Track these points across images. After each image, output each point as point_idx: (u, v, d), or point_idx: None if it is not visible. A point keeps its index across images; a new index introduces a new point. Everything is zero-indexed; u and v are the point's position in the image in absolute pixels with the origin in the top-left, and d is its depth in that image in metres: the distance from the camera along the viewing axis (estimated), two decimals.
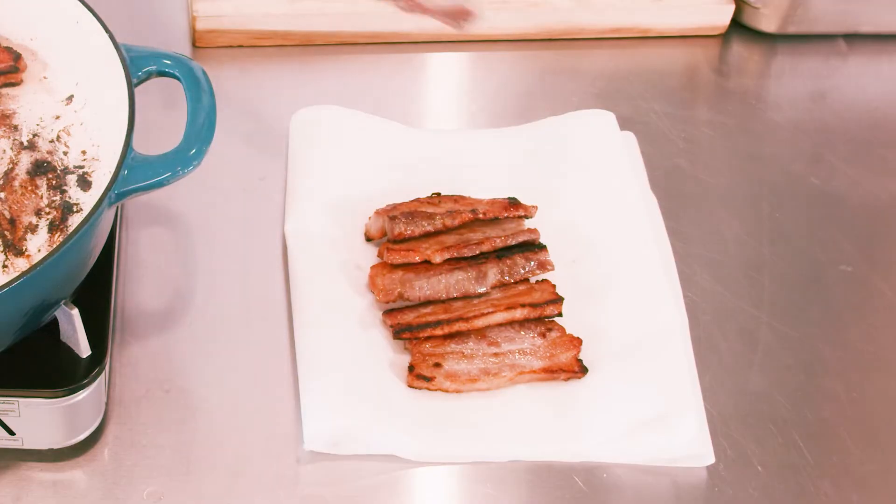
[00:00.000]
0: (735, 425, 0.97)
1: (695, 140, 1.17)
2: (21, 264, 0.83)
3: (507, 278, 0.99)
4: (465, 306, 0.97)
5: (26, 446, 0.89)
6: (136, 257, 1.01)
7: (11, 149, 0.90)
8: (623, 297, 1.01)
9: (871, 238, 1.11)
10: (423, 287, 0.97)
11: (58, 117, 0.92)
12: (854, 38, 1.28)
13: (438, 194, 1.03)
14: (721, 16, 1.25)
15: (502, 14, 1.21)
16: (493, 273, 0.99)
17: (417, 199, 1.03)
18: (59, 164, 0.89)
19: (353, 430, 0.91)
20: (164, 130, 0.95)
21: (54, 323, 0.86)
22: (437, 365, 0.95)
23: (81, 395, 0.86)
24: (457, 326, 0.96)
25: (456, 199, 1.03)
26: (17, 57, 0.92)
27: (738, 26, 1.27)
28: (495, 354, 0.95)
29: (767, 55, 1.26)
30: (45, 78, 0.93)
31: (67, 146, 0.90)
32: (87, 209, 0.86)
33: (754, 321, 1.03)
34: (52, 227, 0.85)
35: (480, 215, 1.01)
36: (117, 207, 0.89)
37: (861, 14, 1.26)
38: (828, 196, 1.14)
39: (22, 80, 0.93)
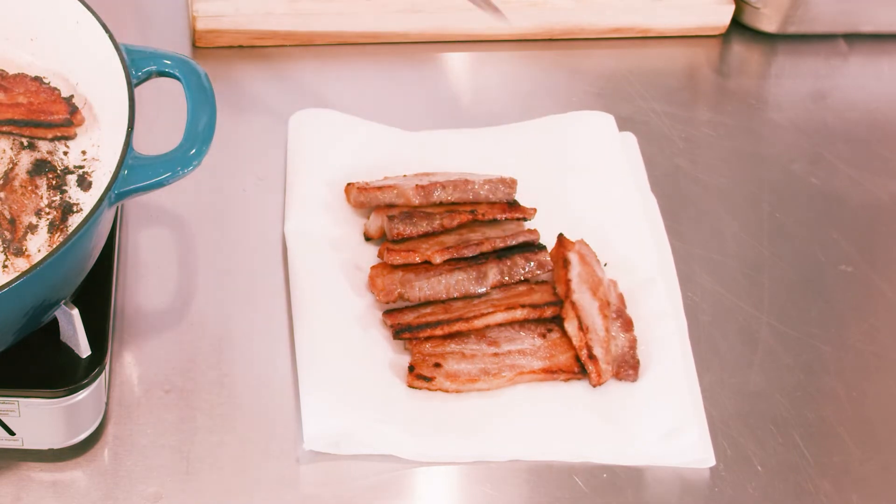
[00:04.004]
0: (735, 425, 0.97)
1: (695, 140, 1.17)
2: (21, 264, 0.84)
3: (506, 279, 0.99)
4: (465, 306, 0.97)
5: (26, 446, 0.89)
6: (136, 257, 1.01)
7: (11, 149, 0.90)
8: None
9: (871, 238, 1.11)
10: (423, 287, 0.97)
11: None
12: (854, 38, 1.28)
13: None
14: (721, 16, 1.25)
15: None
16: (493, 273, 0.99)
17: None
18: (59, 164, 0.89)
19: (353, 430, 0.91)
20: (164, 130, 0.95)
21: (54, 323, 0.86)
22: (437, 365, 0.95)
23: (81, 395, 0.86)
24: (457, 327, 0.96)
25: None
26: (74, 110, 0.90)
27: (739, 26, 1.27)
28: (495, 355, 0.96)
29: (768, 55, 1.26)
30: (45, 78, 0.93)
31: (67, 146, 0.90)
32: (87, 209, 0.86)
33: (754, 321, 1.03)
34: (52, 227, 0.85)
35: (479, 216, 1.01)
36: (117, 207, 0.89)
37: (861, 14, 1.26)
38: (828, 196, 1.14)
39: (76, 135, 0.90)
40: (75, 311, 0.85)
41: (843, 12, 1.25)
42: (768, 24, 1.26)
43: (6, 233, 0.85)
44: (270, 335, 0.98)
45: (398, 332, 0.96)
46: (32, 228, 0.85)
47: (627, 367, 0.96)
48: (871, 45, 1.28)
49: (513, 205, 1.03)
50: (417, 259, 0.98)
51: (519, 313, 0.97)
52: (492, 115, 1.17)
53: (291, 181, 1.06)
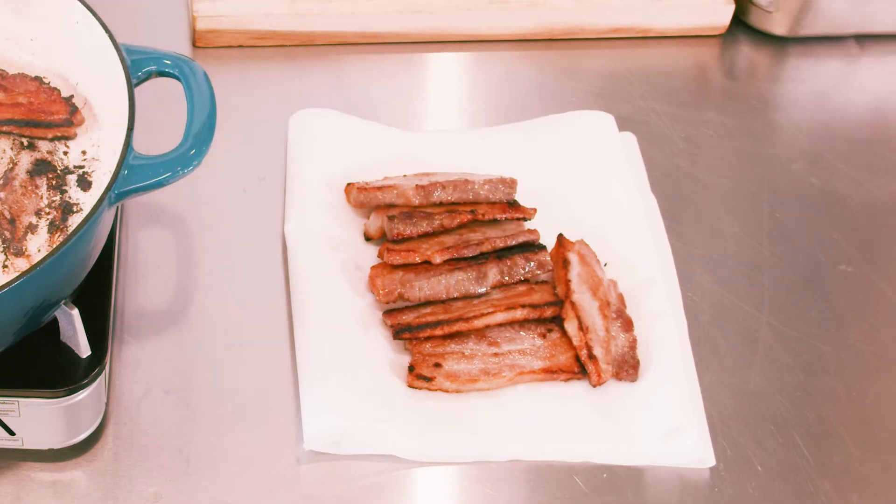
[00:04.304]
0: (735, 425, 0.97)
1: (695, 140, 1.17)
2: (21, 264, 0.84)
3: (506, 279, 0.99)
4: (465, 306, 0.97)
5: (26, 446, 0.89)
6: (136, 257, 1.01)
7: (11, 149, 0.90)
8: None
9: (871, 238, 1.11)
10: (423, 287, 0.97)
11: None
12: (861, 40, 1.28)
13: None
14: (721, 16, 1.25)
15: (502, 14, 1.21)
16: (493, 273, 0.99)
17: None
18: (59, 164, 0.89)
19: (353, 430, 0.91)
20: (164, 130, 0.95)
21: (54, 323, 0.86)
22: (437, 365, 0.95)
23: (81, 395, 0.86)
24: (457, 327, 0.96)
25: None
26: (74, 110, 0.90)
27: (745, 27, 1.27)
28: (495, 354, 0.96)
29: (769, 56, 1.26)
30: (45, 78, 0.93)
31: (67, 146, 0.90)
32: (87, 209, 0.86)
33: (754, 321, 1.03)
34: (52, 227, 0.85)
35: (479, 216, 1.01)
36: (117, 207, 0.89)
37: (869, 17, 1.25)
38: (828, 196, 1.14)
39: (76, 135, 0.90)
40: (75, 311, 0.85)
41: (852, 15, 1.25)
42: (779, 27, 1.26)
43: (6, 233, 0.85)
44: (270, 335, 0.98)
45: (398, 332, 0.96)
46: (32, 228, 0.85)
47: (627, 367, 0.96)
48: (874, 47, 1.28)
49: (513, 205, 1.03)
50: (417, 259, 0.98)
51: (519, 313, 0.97)
52: (492, 115, 1.17)
53: (291, 181, 1.06)
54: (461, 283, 0.98)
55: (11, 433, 0.87)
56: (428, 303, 0.98)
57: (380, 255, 1.00)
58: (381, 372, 0.95)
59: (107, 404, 0.91)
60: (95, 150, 0.90)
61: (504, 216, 1.02)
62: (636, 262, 1.03)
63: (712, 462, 0.94)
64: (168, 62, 0.90)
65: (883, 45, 1.28)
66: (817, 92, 1.24)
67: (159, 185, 0.84)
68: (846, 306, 1.06)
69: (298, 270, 1.00)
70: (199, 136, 0.86)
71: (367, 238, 1.04)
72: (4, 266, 0.83)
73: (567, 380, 0.96)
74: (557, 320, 0.98)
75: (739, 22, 1.26)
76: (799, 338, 1.03)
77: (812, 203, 1.13)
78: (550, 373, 0.95)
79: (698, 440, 0.94)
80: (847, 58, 1.27)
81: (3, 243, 0.84)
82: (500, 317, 0.96)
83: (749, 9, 1.26)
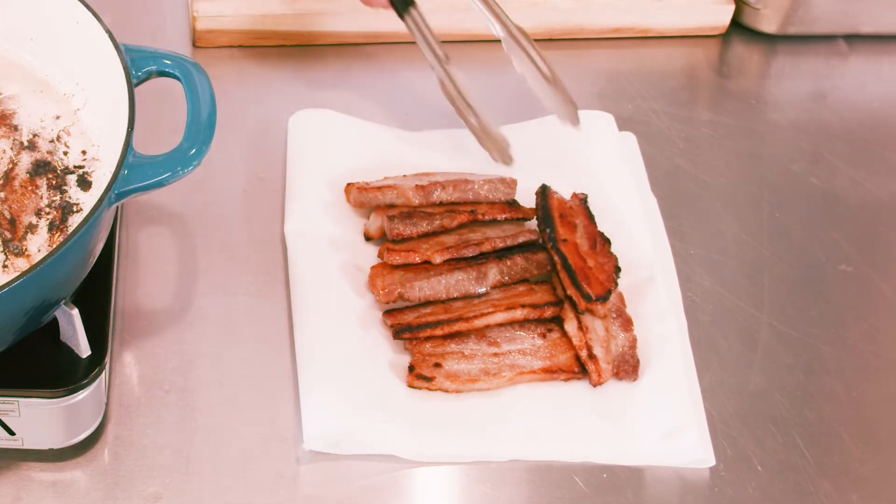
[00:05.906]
0: (735, 425, 0.97)
1: (695, 140, 1.17)
2: (21, 264, 0.84)
3: (506, 279, 0.99)
4: (466, 306, 0.97)
5: (26, 446, 0.89)
6: (136, 257, 1.01)
7: (11, 149, 0.90)
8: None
9: (871, 238, 1.11)
10: (423, 287, 0.97)
11: (58, 117, 0.92)
12: (854, 39, 1.28)
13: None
14: (721, 16, 1.25)
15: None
16: (493, 273, 0.99)
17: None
18: (59, 164, 0.89)
19: (353, 430, 0.91)
20: (164, 130, 0.95)
21: (54, 323, 0.86)
22: (437, 365, 0.95)
23: (81, 395, 0.86)
24: (457, 327, 0.96)
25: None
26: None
27: (738, 26, 1.27)
28: (495, 354, 0.96)
29: (767, 55, 1.26)
30: (45, 78, 0.93)
31: (67, 146, 0.90)
32: (87, 209, 0.86)
33: (754, 321, 1.03)
34: (52, 227, 0.85)
35: (479, 216, 1.01)
36: (117, 207, 0.89)
37: (861, 14, 1.26)
38: (828, 196, 1.14)
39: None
40: (75, 311, 0.85)
41: (842, 13, 1.25)
42: (768, 24, 1.26)
43: (6, 233, 0.85)
44: (270, 335, 0.98)
45: (398, 332, 0.96)
46: (32, 228, 0.85)
47: (627, 366, 0.96)
48: (871, 46, 1.28)
49: (513, 205, 1.03)
50: (417, 259, 0.98)
51: (519, 313, 0.97)
52: (492, 115, 1.17)
53: (291, 181, 1.06)
54: (461, 283, 0.98)
55: (11, 433, 0.87)
56: (428, 303, 0.98)
57: (380, 255, 1.00)
58: (381, 372, 0.95)
59: (107, 404, 0.91)
60: (95, 150, 0.90)
61: (504, 216, 1.02)
62: (636, 262, 1.03)
63: (712, 462, 0.94)
64: (168, 62, 0.90)
65: (871, 43, 1.28)
66: (815, 91, 1.24)
67: (159, 185, 0.84)
68: (846, 306, 1.06)
69: (298, 270, 1.00)
70: (199, 136, 0.86)
71: (367, 238, 1.04)
72: (4, 266, 0.84)
73: (567, 380, 0.96)
74: (557, 320, 0.98)
75: (734, 22, 1.26)
76: (799, 338, 1.03)
77: (812, 203, 1.13)
78: (550, 373, 0.95)
79: (698, 440, 0.94)
80: (839, 57, 1.27)
81: (3, 243, 0.84)
82: (500, 317, 0.96)
83: (741, 8, 1.26)
